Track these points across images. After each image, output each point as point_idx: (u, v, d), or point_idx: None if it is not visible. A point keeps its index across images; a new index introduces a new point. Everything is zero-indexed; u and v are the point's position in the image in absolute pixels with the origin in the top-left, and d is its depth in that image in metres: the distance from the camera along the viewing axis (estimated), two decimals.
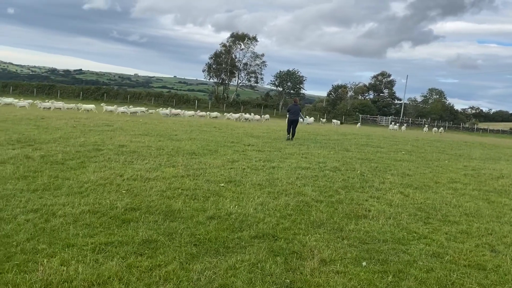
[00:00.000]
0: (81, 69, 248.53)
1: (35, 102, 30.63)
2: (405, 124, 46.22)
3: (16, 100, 30.00)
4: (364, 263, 4.47)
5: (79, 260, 4.00)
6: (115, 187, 6.73)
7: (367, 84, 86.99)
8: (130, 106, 30.74)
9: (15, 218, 4.99)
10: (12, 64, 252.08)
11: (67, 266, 3.86)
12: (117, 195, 6.30)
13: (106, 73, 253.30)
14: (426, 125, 41.35)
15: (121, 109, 27.53)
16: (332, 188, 7.91)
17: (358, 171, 9.97)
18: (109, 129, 15.86)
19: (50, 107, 28.11)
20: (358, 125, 44.21)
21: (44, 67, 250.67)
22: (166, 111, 29.63)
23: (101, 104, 29.96)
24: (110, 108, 28.36)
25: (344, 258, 4.56)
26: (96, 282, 3.64)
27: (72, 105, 29.78)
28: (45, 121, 17.50)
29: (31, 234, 4.54)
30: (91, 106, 27.27)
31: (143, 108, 30.17)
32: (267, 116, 37.51)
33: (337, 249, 4.81)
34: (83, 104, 27.95)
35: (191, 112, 32.27)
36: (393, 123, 47.61)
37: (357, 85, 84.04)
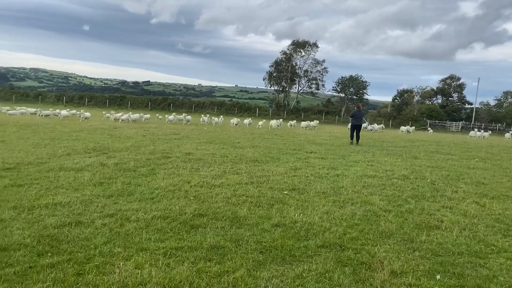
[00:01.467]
0: (149, 81, 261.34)
1: (36, 110, 30.78)
2: (489, 131, 40.48)
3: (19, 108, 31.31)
4: (438, 276, 4.24)
5: (152, 264, 4.17)
6: (183, 194, 6.96)
7: (435, 88, 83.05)
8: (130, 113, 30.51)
9: (93, 222, 5.31)
10: (86, 77, 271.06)
11: (141, 269, 4.03)
12: (186, 201, 6.51)
13: (172, 84, 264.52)
14: (510, 132, 36.04)
15: (123, 116, 27.51)
16: (401, 197, 7.61)
17: (429, 180, 9.51)
18: (176, 137, 16.50)
19: (49, 115, 28.89)
20: (429, 131, 39.66)
21: (115, 79, 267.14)
22: (171, 117, 29.27)
23: (103, 113, 30.20)
24: (112, 115, 28.45)
25: (416, 271, 4.36)
26: (168, 286, 3.77)
27: (72, 112, 30.45)
28: (118, 130, 18.56)
29: (107, 238, 4.81)
30: (87, 113, 27.54)
31: (141, 114, 30.37)
32: (314, 122, 33.78)
33: (408, 260, 4.61)
34: (83, 112, 28.21)
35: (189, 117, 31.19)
36: (476, 129, 41.73)
37: (424, 89, 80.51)
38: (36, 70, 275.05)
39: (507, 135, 34.84)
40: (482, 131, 39.38)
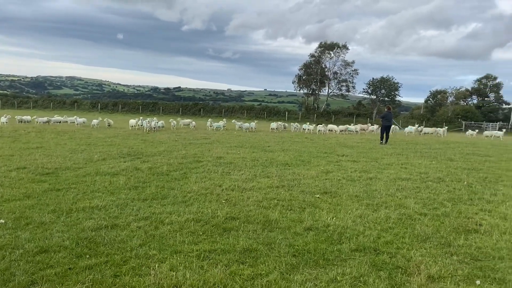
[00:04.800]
0: (179, 87, 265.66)
1: (15, 117, 27.93)
2: (504, 130, 36.77)
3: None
4: (478, 282, 4.10)
5: (186, 266, 4.22)
6: (215, 197, 7.03)
7: (470, 89, 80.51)
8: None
9: (128, 225, 5.44)
10: (120, 84, 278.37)
11: (176, 272, 4.09)
12: (218, 204, 6.57)
13: (202, 89, 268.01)
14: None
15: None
16: (436, 200, 7.41)
17: (465, 182, 9.22)
18: (206, 141, 16.69)
19: (29, 121, 27.13)
20: (473, 133, 33.00)
21: (147, 86, 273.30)
22: (174, 121, 27.60)
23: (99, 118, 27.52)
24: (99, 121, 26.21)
25: (455, 275, 4.23)
26: None
27: (60, 118, 28.28)
28: (151, 136, 18.94)
29: (142, 240, 4.91)
30: (82, 119, 26.35)
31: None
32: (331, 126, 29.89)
33: (445, 265, 4.47)
34: (68, 117, 26.65)
35: (188, 121, 29.28)
36: (489, 128, 38.33)
37: (458, 90, 78.19)
38: (71, 78, 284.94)
39: (485, 132, 32.83)
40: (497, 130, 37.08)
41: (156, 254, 4.51)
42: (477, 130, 35.84)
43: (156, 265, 4.22)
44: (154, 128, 22.55)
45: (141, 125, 23.08)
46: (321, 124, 33.36)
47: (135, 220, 5.64)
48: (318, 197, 7.31)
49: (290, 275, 4.12)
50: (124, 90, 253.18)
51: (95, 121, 25.17)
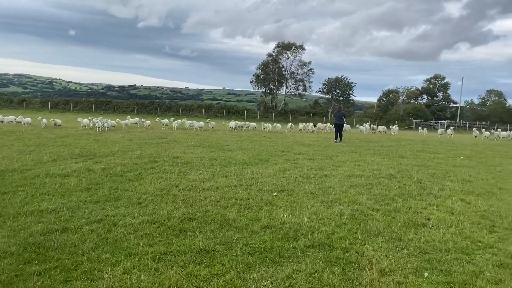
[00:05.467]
0: (135, 85, 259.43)
1: None
2: (452, 127, 39.66)
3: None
4: (426, 274, 4.29)
5: (141, 269, 4.14)
6: (171, 198, 6.93)
7: (420, 88, 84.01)
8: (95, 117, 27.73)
9: (80, 229, 5.26)
10: (72, 82, 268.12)
11: (130, 275, 4.00)
12: (174, 205, 6.48)
13: (158, 87, 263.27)
14: (475, 129, 35.63)
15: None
16: (388, 196, 7.68)
17: (415, 178, 9.62)
18: (163, 141, 16.41)
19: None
20: (422, 131, 35.35)
21: (100, 84, 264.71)
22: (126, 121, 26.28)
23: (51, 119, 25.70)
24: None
25: (405, 269, 4.40)
26: None
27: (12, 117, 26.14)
28: (104, 135, 18.40)
29: (95, 244, 4.76)
30: (28, 119, 24.38)
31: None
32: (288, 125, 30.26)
33: (396, 259, 4.65)
34: (23, 118, 24.37)
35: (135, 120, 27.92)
36: (442, 128, 41.87)
37: (409, 89, 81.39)
38: (19, 75, 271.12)
39: (440, 130, 35.13)
40: (444, 129, 39.40)
41: (110, 258, 4.39)
42: (425, 128, 37.74)
43: (109, 269, 4.11)
44: (107, 127, 21.84)
45: (94, 125, 22.26)
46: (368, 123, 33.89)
47: (87, 223, 5.46)
48: (276, 195, 7.39)
49: (246, 274, 4.13)
50: (76, 88, 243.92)
51: (44, 121, 24.00)
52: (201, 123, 26.22)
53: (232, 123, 27.84)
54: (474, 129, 35.55)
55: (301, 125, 28.97)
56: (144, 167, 9.74)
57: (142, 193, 7.16)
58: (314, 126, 30.85)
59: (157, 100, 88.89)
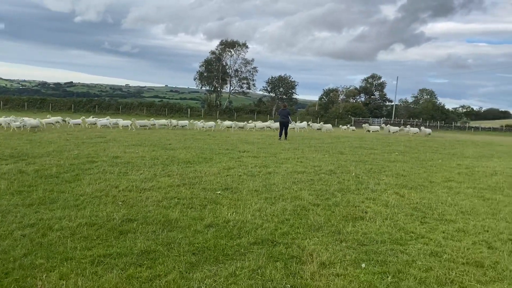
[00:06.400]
0: (71, 82, 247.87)
1: None
2: (388, 125, 41.79)
3: None
4: (363, 265, 4.48)
5: (78, 273, 3.97)
6: (111, 199, 6.71)
7: (358, 87, 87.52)
8: (48, 116, 26.04)
9: (11, 234, 4.94)
10: (1, 79, 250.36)
11: (66, 280, 3.83)
12: (114, 206, 6.28)
13: (97, 84, 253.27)
14: (383, 124, 37.42)
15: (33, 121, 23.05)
16: (328, 191, 7.94)
17: (353, 173, 10.01)
18: (102, 140, 15.82)
19: None
20: (365, 125, 36.43)
21: (34, 81, 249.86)
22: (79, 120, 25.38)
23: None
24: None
25: (344, 261, 4.57)
26: None
27: None
28: (38, 135, 17.41)
29: (28, 249, 4.50)
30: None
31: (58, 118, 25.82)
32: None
33: (336, 251, 4.82)
34: None
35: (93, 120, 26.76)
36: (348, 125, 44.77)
37: (348, 88, 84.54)
38: None
39: (343, 127, 37.15)
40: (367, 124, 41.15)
41: (44, 263, 4.17)
42: (349, 125, 39.61)
43: (44, 275, 3.90)
44: (25, 127, 19.94)
45: (8, 124, 20.35)
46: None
47: (19, 228, 5.14)
48: (219, 194, 7.38)
49: (189, 273, 4.10)
50: (6, 85, 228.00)
51: None
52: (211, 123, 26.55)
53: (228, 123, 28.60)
54: (365, 124, 37.54)
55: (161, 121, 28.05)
56: (82, 168, 9.34)
57: (79, 195, 6.87)
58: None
59: (95, 98, 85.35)
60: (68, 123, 24.57)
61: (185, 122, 28.35)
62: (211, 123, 26.99)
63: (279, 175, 9.43)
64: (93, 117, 28.72)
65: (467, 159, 15.05)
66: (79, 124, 24.86)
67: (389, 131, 33.07)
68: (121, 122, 25.84)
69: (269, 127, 29.98)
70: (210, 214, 6.05)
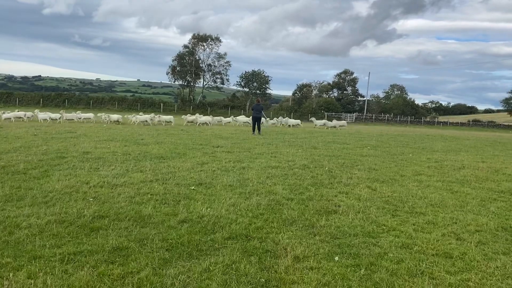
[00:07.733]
0: (40, 76, 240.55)
1: None
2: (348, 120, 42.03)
3: None
4: (336, 258, 4.53)
5: (47, 272, 3.86)
6: (81, 195, 6.55)
7: (331, 83, 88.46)
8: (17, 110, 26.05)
9: None
10: None
11: (35, 279, 3.71)
12: (84, 203, 6.13)
13: (67, 78, 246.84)
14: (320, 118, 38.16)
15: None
16: (302, 185, 7.99)
17: (326, 168, 10.12)
18: (72, 135, 15.43)
19: None
20: (341, 122, 36.17)
21: (0, 74, 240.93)
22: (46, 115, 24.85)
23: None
24: None
25: (317, 254, 4.61)
26: None
27: None
28: (4, 130, 16.83)
29: None
30: None
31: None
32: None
33: (309, 245, 4.86)
34: None
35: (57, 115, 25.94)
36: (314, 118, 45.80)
37: (321, 83, 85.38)
38: None
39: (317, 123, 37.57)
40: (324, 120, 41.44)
41: (11, 262, 4.03)
42: (334, 120, 39.84)
43: (11, 274, 3.77)
44: None
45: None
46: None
47: None
48: (193, 189, 7.32)
49: (163, 270, 4.05)
50: None
51: None
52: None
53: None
54: (312, 118, 38.31)
55: (140, 117, 26.64)
56: (51, 164, 9.08)
57: (48, 192, 6.67)
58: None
59: (65, 92, 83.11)
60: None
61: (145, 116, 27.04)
62: (117, 115, 26.05)
63: (253, 170, 9.43)
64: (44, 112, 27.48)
65: (436, 153, 15.44)
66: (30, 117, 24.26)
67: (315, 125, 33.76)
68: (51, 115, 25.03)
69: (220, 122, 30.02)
70: (183, 210, 5.99)
